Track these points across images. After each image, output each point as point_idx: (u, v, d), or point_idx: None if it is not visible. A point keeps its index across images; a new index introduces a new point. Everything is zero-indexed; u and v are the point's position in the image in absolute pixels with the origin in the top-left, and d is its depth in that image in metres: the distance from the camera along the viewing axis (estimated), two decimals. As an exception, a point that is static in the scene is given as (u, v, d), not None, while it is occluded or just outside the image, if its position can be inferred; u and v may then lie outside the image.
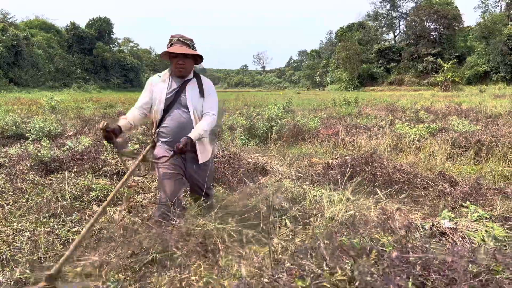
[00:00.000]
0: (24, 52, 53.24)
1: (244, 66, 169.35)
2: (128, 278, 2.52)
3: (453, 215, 3.16)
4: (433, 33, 65.34)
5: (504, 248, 2.28)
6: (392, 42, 77.71)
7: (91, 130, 8.90)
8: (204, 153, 3.16)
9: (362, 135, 7.46)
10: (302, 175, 4.94)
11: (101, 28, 74.86)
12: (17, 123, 8.27)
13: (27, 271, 2.49)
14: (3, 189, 4.33)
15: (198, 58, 3.07)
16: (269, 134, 7.60)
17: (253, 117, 7.91)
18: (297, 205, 3.66)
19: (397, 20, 79.98)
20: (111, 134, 2.68)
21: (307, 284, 1.49)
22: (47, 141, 6.14)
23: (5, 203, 3.88)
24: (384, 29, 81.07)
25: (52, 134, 7.98)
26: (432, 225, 2.75)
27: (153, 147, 3.15)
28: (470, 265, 1.59)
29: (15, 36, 52.05)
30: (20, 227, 3.30)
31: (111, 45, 79.20)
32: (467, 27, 65.60)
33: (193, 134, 2.90)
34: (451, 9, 62.45)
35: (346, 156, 5.38)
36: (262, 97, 25.35)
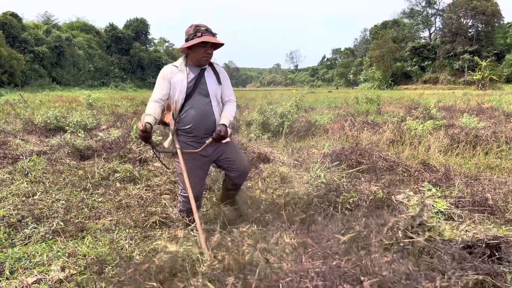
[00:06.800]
0: (66, 53, 56.18)
1: (276, 65, 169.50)
2: (136, 232, 3.25)
3: (411, 192, 3.71)
4: (470, 30, 63.61)
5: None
6: (427, 39, 76.02)
7: (122, 124, 9.83)
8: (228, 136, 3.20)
9: (366, 130, 7.96)
10: (299, 163, 5.56)
11: (138, 28, 77.51)
12: (58, 118, 9.27)
13: (61, 223, 3.27)
14: (45, 171, 5.19)
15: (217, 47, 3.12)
16: (281, 129, 8.21)
17: (267, 112, 8.53)
18: (286, 186, 4.32)
19: (433, 17, 78.24)
20: (149, 134, 2.78)
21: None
22: (82, 133, 7.05)
23: (46, 181, 4.73)
24: (419, 26, 79.45)
25: (88, 127, 8.92)
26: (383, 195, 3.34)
27: (177, 135, 3.15)
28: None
29: (58, 37, 55.05)
30: (57, 198, 4.12)
31: (147, 45, 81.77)
32: (507, 23, 63.23)
33: (226, 121, 3.04)
34: (490, 5, 60.50)
35: (340, 147, 5.95)
36: (290, 96, 25.84)
